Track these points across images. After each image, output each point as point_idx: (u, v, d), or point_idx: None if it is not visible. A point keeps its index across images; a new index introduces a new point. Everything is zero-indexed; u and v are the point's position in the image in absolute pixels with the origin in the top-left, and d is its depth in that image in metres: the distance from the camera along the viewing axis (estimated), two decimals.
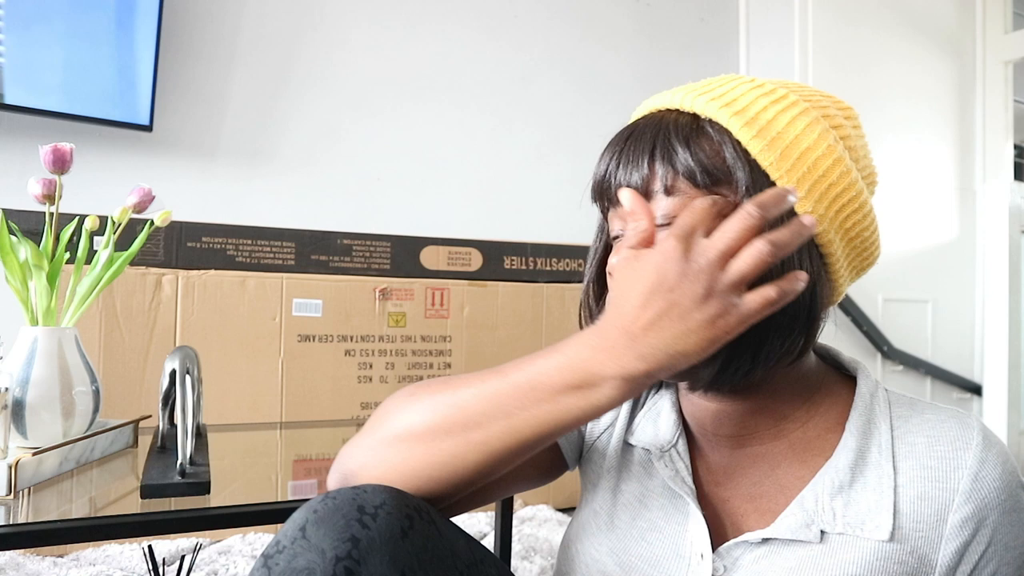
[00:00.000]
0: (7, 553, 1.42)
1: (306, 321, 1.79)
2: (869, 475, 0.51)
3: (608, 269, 0.56)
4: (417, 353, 1.92)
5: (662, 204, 0.51)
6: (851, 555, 0.49)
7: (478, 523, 1.76)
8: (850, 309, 2.65)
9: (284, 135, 2.09)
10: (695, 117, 0.52)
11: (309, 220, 1.96)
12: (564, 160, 2.47)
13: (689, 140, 0.51)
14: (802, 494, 0.51)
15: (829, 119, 0.54)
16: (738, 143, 0.50)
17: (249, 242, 1.80)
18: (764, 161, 0.50)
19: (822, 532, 0.50)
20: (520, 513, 1.88)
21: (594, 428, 0.67)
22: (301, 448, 1.27)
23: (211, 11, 2.00)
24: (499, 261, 2.08)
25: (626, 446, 0.63)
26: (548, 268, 2.13)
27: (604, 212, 0.59)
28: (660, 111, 0.55)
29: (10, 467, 0.76)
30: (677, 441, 0.59)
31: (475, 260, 2.05)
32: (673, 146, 0.51)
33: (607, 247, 0.60)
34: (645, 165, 0.52)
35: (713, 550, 0.53)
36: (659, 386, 0.63)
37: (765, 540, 0.51)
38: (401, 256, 1.96)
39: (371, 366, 1.87)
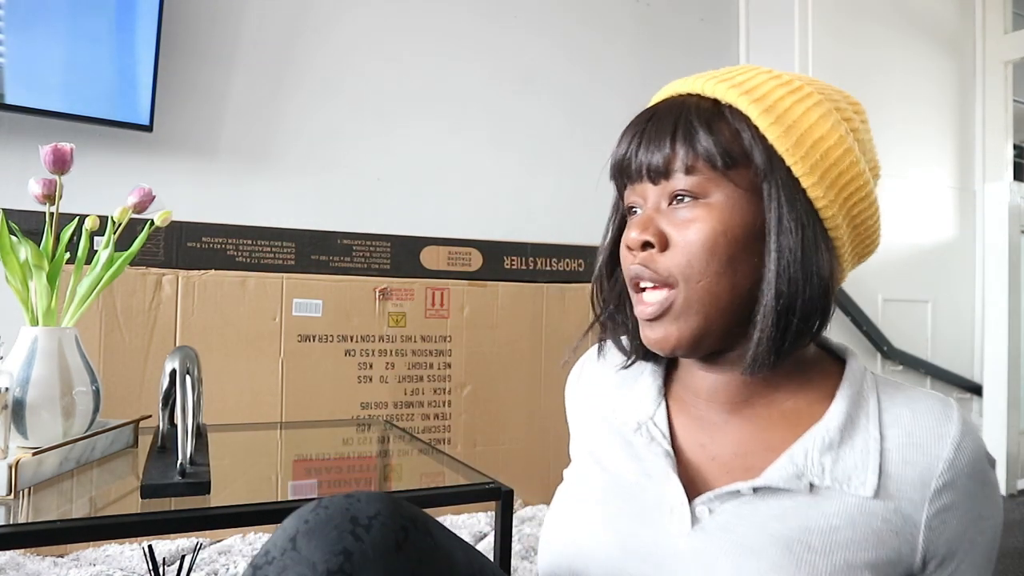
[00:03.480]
0: (7, 553, 1.42)
1: (306, 321, 1.79)
2: (857, 438, 0.53)
3: (624, 242, 0.58)
4: (417, 353, 1.92)
5: (681, 181, 0.54)
6: (836, 507, 0.51)
7: (478, 523, 1.76)
8: (850, 309, 2.65)
9: (284, 135, 2.09)
10: (715, 102, 0.55)
11: (309, 220, 1.96)
12: (565, 160, 2.47)
13: (710, 124, 0.54)
14: (792, 448, 0.54)
15: (840, 112, 0.57)
16: (756, 129, 0.53)
17: (249, 242, 1.80)
18: (780, 147, 0.53)
19: (811, 484, 0.52)
20: (520, 513, 1.88)
21: (579, 422, 0.70)
22: (301, 448, 1.27)
23: (211, 11, 2.00)
24: (499, 261, 2.08)
25: (610, 425, 0.64)
26: (548, 268, 2.13)
27: (621, 189, 0.61)
28: (680, 95, 0.57)
29: (10, 467, 0.76)
30: (655, 413, 0.61)
31: (475, 260, 2.05)
32: (694, 128, 0.54)
33: (622, 223, 0.62)
34: (667, 145, 0.54)
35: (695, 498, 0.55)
36: (630, 362, 0.65)
37: (756, 490, 0.53)
38: (401, 256, 1.96)
39: (371, 366, 1.87)
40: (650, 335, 0.57)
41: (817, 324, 0.54)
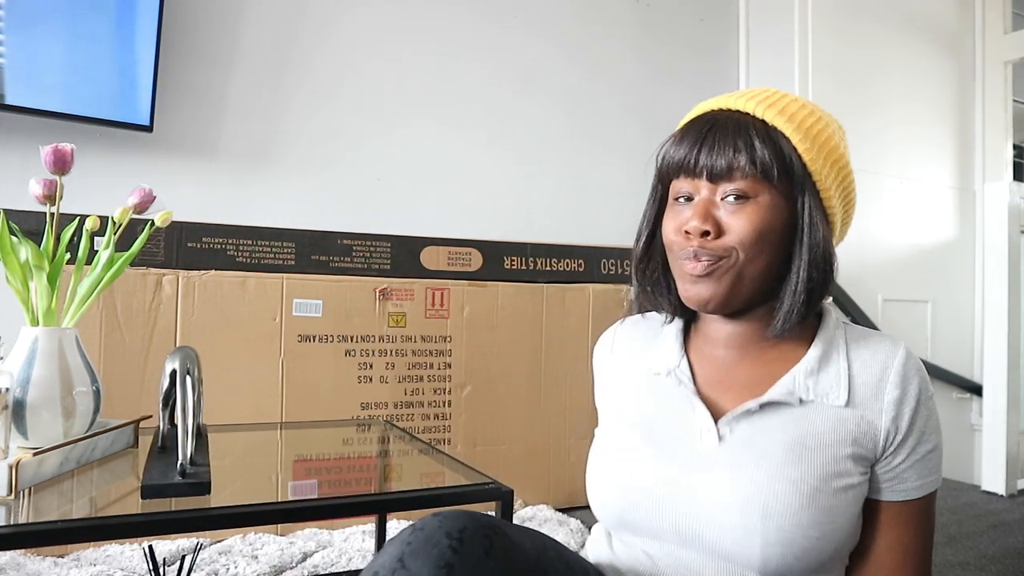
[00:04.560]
0: (7, 553, 1.42)
1: (306, 321, 1.79)
2: (831, 367, 0.71)
3: (681, 227, 0.70)
4: (417, 353, 1.92)
5: (739, 183, 0.68)
6: (821, 417, 0.69)
7: None
8: (850, 309, 2.65)
9: (284, 135, 2.09)
10: (764, 122, 0.69)
11: (309, 220, 1.96)
12: (565, 160, 2.47)
13: (764, 140, 0.68)
14: (784, 377, 0.71)
15: (840, 133, 0.74)
16: (795, 149, 0.69)
17: (249, 242, 1.80)
18: (812, 166, 0.69)
19: (800, 399, 0.69)
20: (520, 513, 1.88)
21: (611, 375, 0.84)
22: (301, 448, 1.28)
23: (211, 11, 2.00)
24: (499, 261, 2.08)
25: (640, 377, 0.80)
26: (548, 268, 2.13)
27: (670, 179, 0.74)
28: (731, 111, 0.71)
29: (11, 467, 0.76)
30: (680, 363, 0.77)
31: (475, 260, 2.05)
32: (753, 142, 0.68)
33: (661, 208, 0.76)
34: (731, 152, 0.68)
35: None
36: (670, 320, 0.81)
37: (762, 406, 0.70)
38: (401, 256, 1.96)
39: (371, 366, 1.87)
40: (692, 292, 0.70)
41: (825, 294, 0.72)
